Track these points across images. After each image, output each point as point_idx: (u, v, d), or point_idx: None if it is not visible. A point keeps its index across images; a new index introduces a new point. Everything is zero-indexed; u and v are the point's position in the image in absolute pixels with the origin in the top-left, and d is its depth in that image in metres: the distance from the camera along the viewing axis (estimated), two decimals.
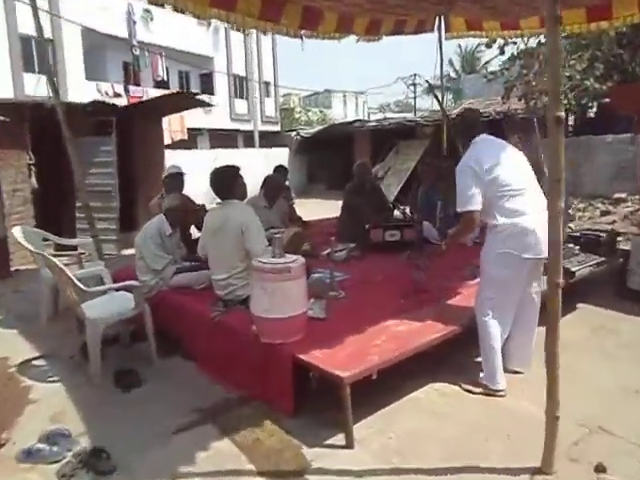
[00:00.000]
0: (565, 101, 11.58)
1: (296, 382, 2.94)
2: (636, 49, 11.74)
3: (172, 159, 13.86)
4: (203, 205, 5.21)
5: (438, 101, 10.17)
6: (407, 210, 5.96)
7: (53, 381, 3.66)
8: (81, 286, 3.56)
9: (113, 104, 7.79)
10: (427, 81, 21.73)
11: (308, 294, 3.26)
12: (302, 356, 2.88)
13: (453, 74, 33.69)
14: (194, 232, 5.23)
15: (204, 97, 22.03)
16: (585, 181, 12.21)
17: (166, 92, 7.94)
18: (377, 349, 2.98)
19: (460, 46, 36.63)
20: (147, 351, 3.91)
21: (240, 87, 26.11)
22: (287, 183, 7.10)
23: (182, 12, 23.44)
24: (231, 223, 3.52)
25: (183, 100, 8.14)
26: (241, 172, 3.80)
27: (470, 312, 3.40)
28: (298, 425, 2.91)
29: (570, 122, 14.99)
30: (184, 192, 5.21)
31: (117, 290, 4.03)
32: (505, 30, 8.65)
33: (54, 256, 4.23)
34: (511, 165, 3.19)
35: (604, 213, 10.21)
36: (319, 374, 2.83)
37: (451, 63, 33.93)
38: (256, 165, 15.55)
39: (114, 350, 4.06)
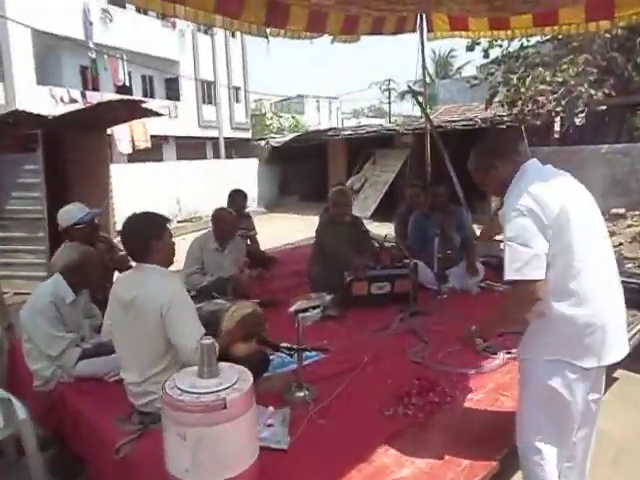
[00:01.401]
0: (559, 108, 10.69)
1: None
2: (630, 52, 10.94)
3: (124, 175, 12.68)
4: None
5: (421, 107, 9.16)
6: (396, 247, 4.80)
7: None
8: None
9: (38, 114, 6.50)
10: (409, 86, 20.83)
11: (264, 396, 2.14)
12: None
13: (427, 79, 32.97)
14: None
15: (166, 104, 21.12)
16: None
17: (111, 98, 6.79)
18: None
19: (434, 51, 36.05)
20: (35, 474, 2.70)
21: (208, 92, 24.79)
22: (247, 210, 5.93)
23: (145, 12, 22.19)
24: (145, 302, 2.34)
25: (128, 108, 6.94)
26: (169, 225, 2.60)
27: (504, 429, 2.30)
28: None
29: (556, 128, 14.19)
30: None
31: None
32: (493, 29, 7.72)
33: None
34: (587, 215, 2.07)
35: None
36: None
37: (425, 69, 33.20)
38: (220, 180, 14.39)
39: None
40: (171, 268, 2.67)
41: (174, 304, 2.31)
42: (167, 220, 2.55)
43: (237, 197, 5.59)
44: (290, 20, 6.34)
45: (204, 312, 2.68)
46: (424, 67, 9.14)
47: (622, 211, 10.45)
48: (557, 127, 14.16)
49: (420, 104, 9.10)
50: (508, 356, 3.18)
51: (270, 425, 2.43)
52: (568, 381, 2.00)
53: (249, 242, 5.75)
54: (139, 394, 2.47)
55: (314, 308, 3.95)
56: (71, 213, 3.85)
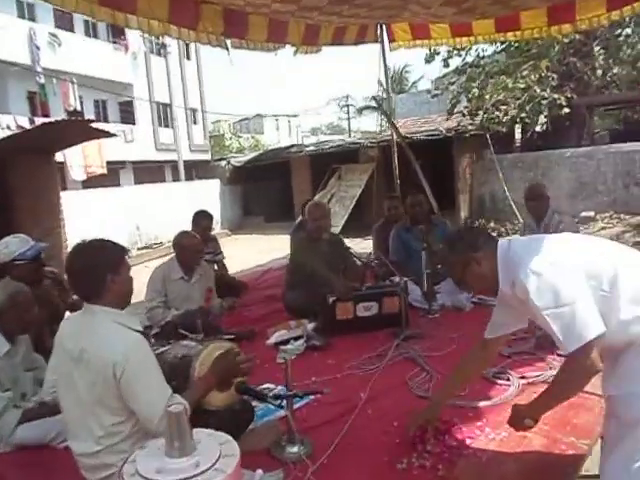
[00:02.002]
0: (523, 114, 10.64)
1: None
2: (587, 56, 11.04)
3: (78, 202, 11.97)
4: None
5: (387, 117, 8.91)
6: (379, 263, 4.39)
7: None
8: None
9: None
10: (374, 97, 20.75)
11: (249, 456, 1.73)
12: None
13: (383, 94, 33.26)
14: None
15: (121, 128, 20.42)
16: None
17: (48, 120, 6.26)
18: None
19: (389, 67, 36.43)
20: None
21: (164, 115, 24.17)
22: (212, 232, 5.46)
23: (95, 36, 21.56)
24: (95, 357, 1.86)
25: (76, 129, 6.39)
26: (127, 255, 2.12)
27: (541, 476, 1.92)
28: None
29: (517, 136, 14.26)
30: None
31: None
32: (456, 36, 7.61)
33: None
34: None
35: None
36: None
37: (380, 83, 33.51)
38: (181, 203, 13.78)
39: None
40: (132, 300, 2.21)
41: (131, 363, 1.83)
42: (125, 250, 2.07)
43: (202, 219, 5.12)
44: (249, 30, 6.03)
45: (170, 358, 2.20)
46: (386, 75, 8.93)
47: (592, 214, 10.42)
48: (518, 135, 14.24)
49: (386, 114, 8.86)
50: (523, 382, 2.81)
51: None
52: None
53: (216, 267, 5.28)
54: (94, 468, 1.97)
55: (296, 339, 3.51)
56: (11, 247, 3.31)
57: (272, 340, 3.64)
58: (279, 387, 2.83)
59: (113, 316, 1.94)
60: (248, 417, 2.34)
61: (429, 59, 12.45)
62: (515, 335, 3.46)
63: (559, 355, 3.14)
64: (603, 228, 9.42)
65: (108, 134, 7.00)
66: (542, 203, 4.69)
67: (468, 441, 2.29)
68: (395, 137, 8.60)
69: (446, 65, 12.13)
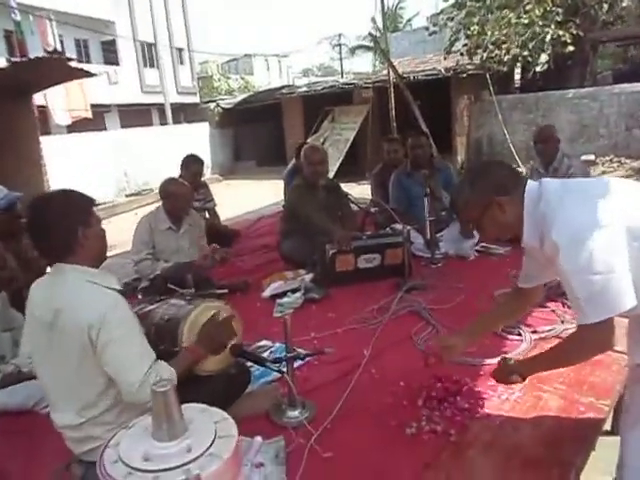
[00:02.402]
0: (526, 52, 10.15)
1: None
2: None
3: (62, 148, 11.49)
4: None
5: (385, 56, 8.48)
6: (380, 211, 4.15)
7: None
8: None
9: None
10: (370, 33, 19.93)
11: (248, 421, 1.64)
12: None
13: (377, 33, 32.00)
14: None
15: (104, 69, 19.56)
16: None
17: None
18: None
19: (382, 1, 34.91)
20: None
21: (150, 55, 23.13)
22: (203, 177, 5.17)
23: None
24: (70, 320, 1.65)
25: (54, 69, 5.95)
26: (96, 204, 1.88)
27: (556, 441, 1.79)
28: None
29: (517, 76, 13.76)
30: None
31: None
32: None
33: None
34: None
35: None
36: None
37: (374, 21, 32.16)
38: (169, 148, 13.29)
39: None
40: (116, 251, 2.00)
41: (107, 324, 1.62)
42: (92, 202, 1.83)
43: (192, 164, 4.83)
44: None
45: (156, 320, 2.01)
46: (383, 7, 8.44)
47: (592, 157, 10.16)
48: (517, 74, 13.72)
49: (383, 52, 8.41)
50: (535, 337, 2.66)
51: (260, 465, 1.82)
52: None
53: (207, 215, 5.04)
54: (79, 440, 1.80)
55: (293, 292, 3.32)
56: None
57: (267, 292, 3.46)
58: (277, 344, 2.67)
59: (87, 275, 1.72)
60: (244, 380, 2.17)
61: None
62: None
63: (569, 307, 3.01)
64: (604, 172, 9.20)
65: (88, 73, 6.55)
66: (552, 145, 4.44)
67: (480, 402, 2.14)
68: (392, 77, 8.21)
69: None
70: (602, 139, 10.57)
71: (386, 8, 34.65)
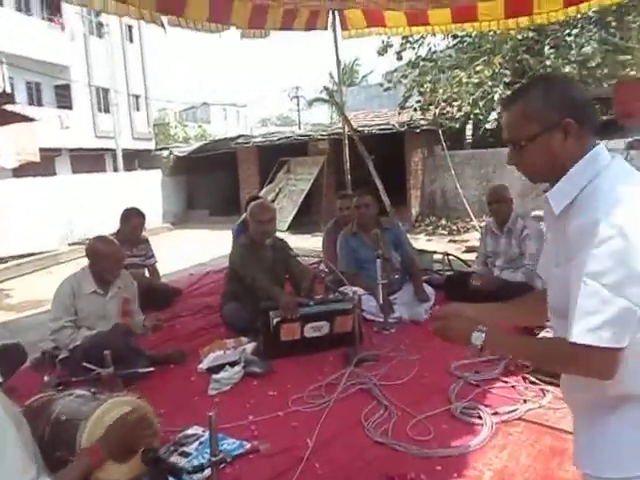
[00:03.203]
0: (477, 110, 10.42)
1: None
2: (539, 54, 10.94)
3: (3, 193, 10.96)
4: None
5: (339, 109, 8.47)
6: (328, 272, 3.90)
7: None
8: None
9: None
10: (325, 87, 20.31)
11: None
12: None
13: (334, 87, 32.88)
14: None
15: (56, 113, 19.11)
16: None
17: None
18: None
19: (339, 55, 36.04)
20: None
21: (105, 100, 22.81)
22: (145, 230, 4.83)
23: (27, 11, 20.01)
24: None
25: None
26: None
27: None
28: None
29: (468, 133, 14.14)
30: None
31: None
32: (411, 25, 7.29)
33: None
34: None
35: None
36: None
37: (331, 75, 33.12)
38: (119, 195, 12.83)
39: None
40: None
41: None
42: None
43: (133, 217, 4.50)
44: (188, 6, 5.47)
45: (53, 419, 1.66)
46: (338, 64, 8.48)
47: (541, 213, 10.33)
48: (469, 131, 14.12)
49: (338, 105, 8.42)
50: (496, 420, 2.42)
51: None
52: None
53: (147, 273, 4.68)
54: None
55: (232, 365, 2.99)
56: None
57: (204, 365, 3.11)
58: (207, 434, 2.32)
59: None
60: None
61: (382, 52, 12.11)
62: (482, 358, 3.12)
63: (531, 382, 2.80)
64: None
65: (26, 118, 6.20)
66: (505, 206, 4.36)
67: None
68: (347, 130, 8.18)
69: (399, 58, 11.77)
70: None
71: (343, 64, 35.95)
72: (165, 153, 16.43)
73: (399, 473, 1.98)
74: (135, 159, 22.15)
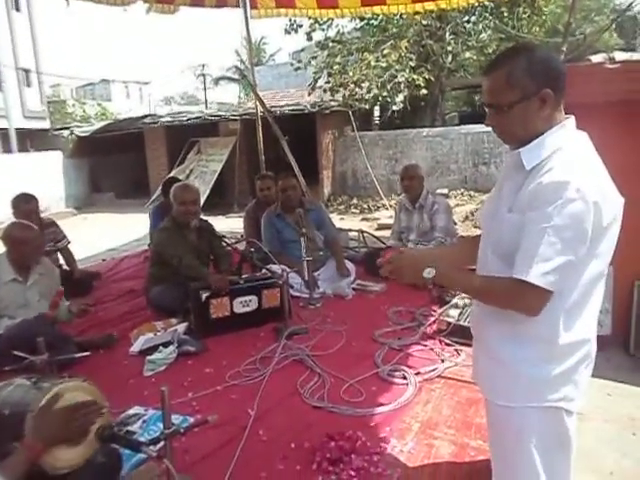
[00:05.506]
0: (385, 92, 10.78)
1: None
2: (441, 40, 11.50)
3: None
4: None
5: (253, 89, 8.44)
6: (253, 251, 3.98)
7: None
8: None
9: None
10: (237, 66, 19.94)
11: None
12: None
13: (241, 66, 32.33)
14: None
15: None
16: None
17: None
18: None
19: (250, 34, 35.35)
20: None
21: None
22: (45, 214, 4.62)
23: None
24: None
25: None
26: None
27: None
28: None
29: (376, 114, 14.59)
30: None
31: None
32: (321, 8, 7.41)
33: None
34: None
35: None
36: None
37: (238, 54, 32.50)
38: (15, 179, 11.93)
39: None
40: None
41: None
42: None
43: (22, 204, 4.20)
44: None
45: None
46: (250, 42, 8.48)
47: (445, 191, 10.97)
48: (377, 112, 14.58)
49: (251, 85, 8.38)
50: (419, 379, 2.67)
51: None
52: (568, 431, 1.47)
53: (60, 258, 4.50)
54: None
55: (165, 345, 3.02)
56: None
57: (136, 348, 3.11)
58: (150, 411, 2.37)
59: None
60: (115, 467, 1.85)
61: (289, 30, 12.11)
62: (402, 326, 3.39)
63: (447, 344, 3.09)
64: (457, 205, 9.95)
65: None
66: (417, 183, 4.66)
67: (375, 458, 2.06)
68: (259, 110, 8.19)
69: (309, 39, 11.88)
70: (453, 174, 11.49)
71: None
72: (65, 133, 15.44)
73: (338, 432, 2.16)
74: (27, 139, 20.55)
